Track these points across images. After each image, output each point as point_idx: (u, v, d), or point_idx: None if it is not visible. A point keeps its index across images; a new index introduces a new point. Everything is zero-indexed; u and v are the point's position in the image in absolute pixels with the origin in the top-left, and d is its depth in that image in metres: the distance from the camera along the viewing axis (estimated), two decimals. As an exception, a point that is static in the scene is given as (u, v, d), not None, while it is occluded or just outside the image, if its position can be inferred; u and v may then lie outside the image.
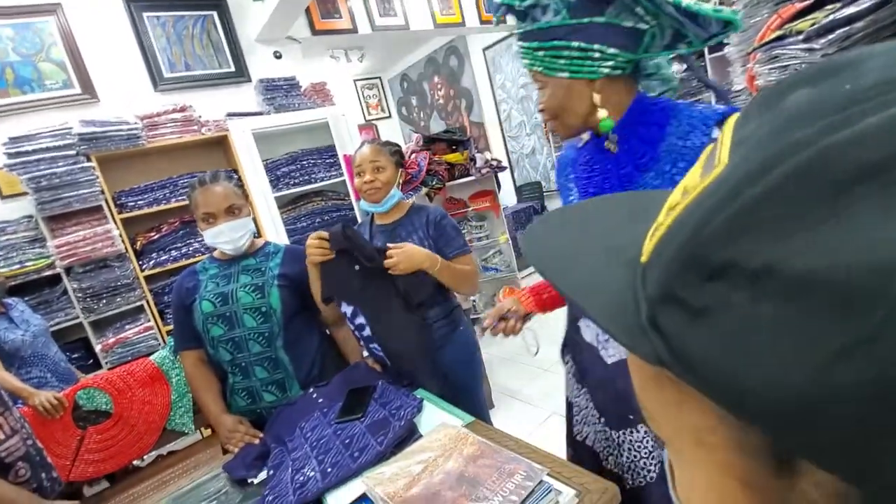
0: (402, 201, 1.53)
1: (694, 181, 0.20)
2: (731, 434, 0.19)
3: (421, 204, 1.55)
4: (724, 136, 0.20)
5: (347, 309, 1.35)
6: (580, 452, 1.05)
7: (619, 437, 0.95)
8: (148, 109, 2.83)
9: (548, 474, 0.79)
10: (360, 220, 1.56)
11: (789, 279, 0.15)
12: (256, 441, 1.25)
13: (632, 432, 0.93)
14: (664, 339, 0.18)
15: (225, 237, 1.34)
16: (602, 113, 0.84)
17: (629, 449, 0.93)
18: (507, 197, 5.29)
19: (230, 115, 3.06)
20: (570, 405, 1.10)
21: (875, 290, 0.13)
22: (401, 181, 1.51)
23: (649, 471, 0.92)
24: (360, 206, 1.53)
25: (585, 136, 0.95)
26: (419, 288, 1.33)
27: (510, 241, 3.90)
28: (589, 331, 0.99)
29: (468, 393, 1.55)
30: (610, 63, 0.81)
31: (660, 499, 0.91)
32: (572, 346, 1.06)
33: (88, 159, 2.63)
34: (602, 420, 0.98)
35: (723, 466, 0.20)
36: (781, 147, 0.16)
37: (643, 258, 0.21)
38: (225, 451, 1.37)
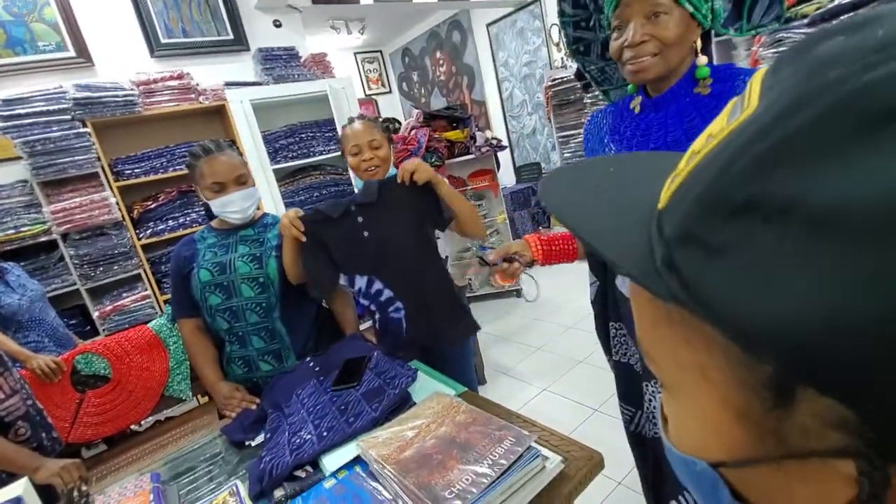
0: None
1: (720, 126, 0.21)
2: (734, 370, 0.19)
3: None
4: (753, 85, 0.20)
5: (361, 282, 1.34)
6: (617, 363, 1.10)
7: (645, 387, 1.00)
8: (144, 76, 2.78)
9: (535, 441, 0.82)
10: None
11: (816, 211, 0.15)
12: (253, 406, 1.28)
13: (655, 382, 0.97)
14: (680, 277, 0.19)
15: (236, 206, 1.34)
16: (702, 59, 0.85)
17: (649, 400, 0.98)
18: (506, 177, 5.28)
19: (228, 84, 3.01)
20: (605, 334, 1.12)
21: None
22: (392, 157, 1.52)
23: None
24: (357, 185, 1.52)
25: (638, 99, 0.95)
26: (438, 203, 1.31)
27: (507, 222, 3.91)
28: (625, 286, 1.02)
29: (458, 367, 1.58)
30: (711, 17, 0.83)
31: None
32: (614, 307, 1.07)
33: (84, 125, 2.59)
34: (634, 347, 1.02)
35: (722, 401, 0.21)
36: (816, 85, 0.16)
37: (660, 205, 0.22)
38: (221, 417, 1.40)
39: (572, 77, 3.23)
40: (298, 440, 1.00)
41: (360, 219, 1.31)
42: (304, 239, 1.28)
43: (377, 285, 1.32)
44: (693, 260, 0.19)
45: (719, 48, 2.46)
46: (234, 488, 0.91)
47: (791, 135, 0.17)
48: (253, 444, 1.12)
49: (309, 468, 0.94)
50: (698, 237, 0.19)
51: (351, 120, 1.47)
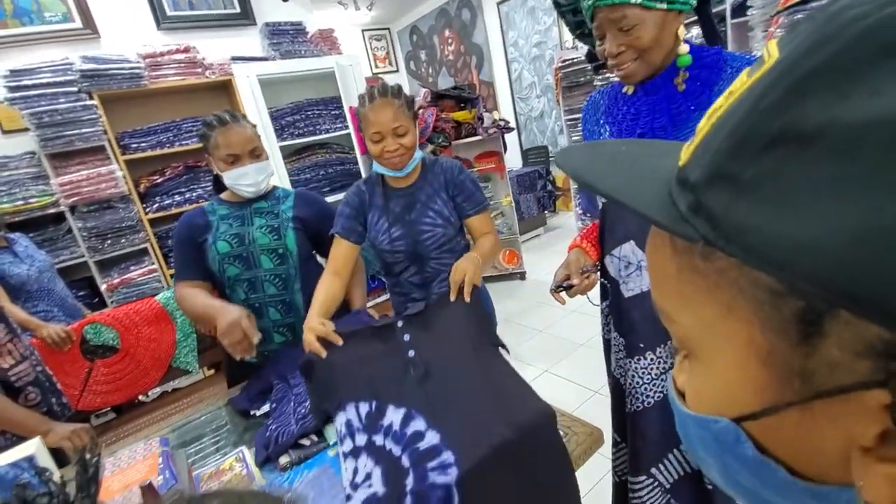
0: None
1: (740, 83, 0.21)
2: (758, 311, 0.20)
3: (432, 158, 1.40)
4: (770, 47, 0.21)
5: (395, 415, 0.88)
6: (613, 383, 1.13)
7: (627, 364, 1.03)
8: (150, 48, 2.76)
9: (538, 416, 0.82)
10: (363, 176, 1.42)
11: (846, 134, 0.16)
12: (257, 339, 1.18)
13: (639, 360, 1.00)
14: (710, 218, 0.20)
15: (250, 179, 1.33)
16: (684, 47, 0.86)
17: (633, 375, 1.02)
18: (513, 160, 5.24)
19: (234, 59, 2.98)
20: (606, 342, 1.16)
21: None
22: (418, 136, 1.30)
23: (647, 397, 1.00)
24: (375, 170, 1.32)
25: (631, 87, 0.97)
26: (484, 318, 1.06)
27: (513, 204, 3.90)
28: (612, 266, 1.04)
29: None
30: None
31: (651, 422, 1.00)
32: (604, 287, 1.11)
33: (90, 97, 2.59)
34: (624, 348, 1.05)
35: (747, 347, 0.21)
36: (838, 24, 0.17)
37: (681, 163, 0.23)
38: (230, 385, 1.43)
39: (583, 58, 3.18)
40: (303, 410, 1.02)
41: (406, 336, 1.01)
42: (324, 354, 1.02)
43: (418, 424, 0.85)
44: (723, 198, 0.20)
45: (735, 30, 2.41)
46: (241, 454, 0.94)
47: (818, 67, 0.17)
48: (258, 413, 1.15)
49: (314, 437, 0.96)
50: (729, 175, 0.20)
51: (371, 95, 1.23)
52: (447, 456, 0.76)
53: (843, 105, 0.16)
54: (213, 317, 1.20)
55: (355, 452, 0.83)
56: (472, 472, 0.73)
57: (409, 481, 0.74)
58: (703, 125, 0.22)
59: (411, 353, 0.98)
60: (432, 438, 0.80)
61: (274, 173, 1.44)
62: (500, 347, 1.02)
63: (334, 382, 0.97)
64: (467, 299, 1.05)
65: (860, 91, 0.16)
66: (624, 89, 1.00)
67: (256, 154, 1.34)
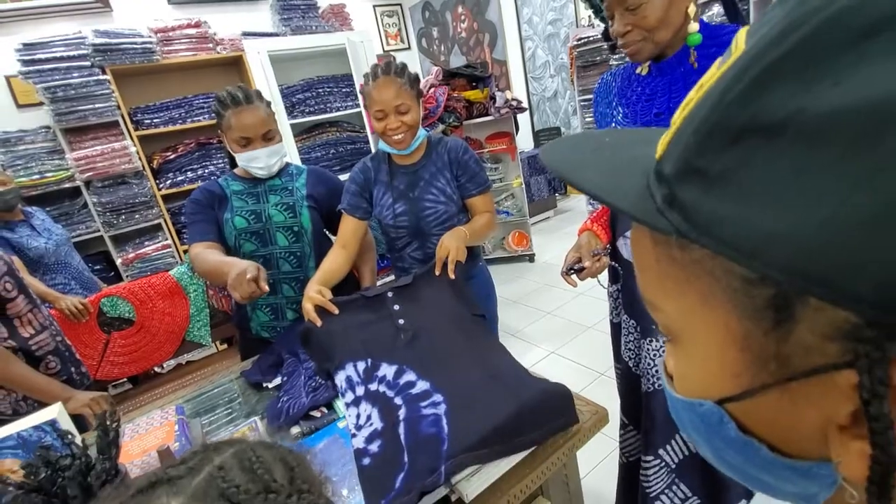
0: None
1: (710, 75, 0.21)
2: (733, 299, 0.21)
3: (437, 136, 1.42)
4: (738, 38, 0.21)
5: (388, 370, 0.98)
6: (623, 366, 1.15)
7: (641, 345, 1.05)
8: (162, 23, 2.75)
9: (544, 394, 0.84)
10: (372, 153, 1.42)
11: (811, 125, 0.16)
12: (266, 291, 1.14)
13: (651, 342, 1.02)
14: (682, 211, 0.21)
15: (261, 162, 1.33)
16: (694, 26, 0.85)
17: (646, 356, 1.03)
18: (524, 141, 5.17)
19: (245, 34, 2.97)
20: (615, 326, 1.17)
21: (887, 121, 0.15)
22: (421, 114, 1.33)
23: (659, 379, 1.02)
24: (380, 148, 1.35)
25: (646, 63, 0.96)
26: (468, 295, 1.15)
27: (524, 186, 3.87)
28: (625, 248, 1.05)
29: (492, 326, 1.60)
30: None
31: (661, 404, 1.01)
32: (614, 270, 1.12)
33: (103, 72, 2.60)
34: (637, 329, 1.07)
35: (724, 334, 0.22)
36: (806, 10, 0.17)
37: (657, 155, 0.23)
38: (243, 358, 1.46)
39: (599, 36, 3.11)
40: (314, 383, 1.04)
41: (396, 307, 1.12)
42: (319, 323, 1.10)
43: (409, 375, 0.96)
44: (694, 191, 0.20)
45: (758, 8, 2.33)
46: (254, 424, 0.97)
47: (784, 55, 0.17)
48: (270, 386, 1.17)
49: (324, 409, 0.98)
50: (698, 169, 0.20)
51: (375, 73, 1.25)
52: (437, 397, 0.87)
53: (806, 96, 0.16)
54: (224, 272, 1.18)
55: (356, 402, 0.93)
56: (459, 405, 0.83)
57: (402, 413, 0.86)
58: (677, 117, 0.22)
59: (401, 321, 1.09)
60: (423, 385, 0.91)
61: (287, 154, 1.43)
62: (480, 316, 1.13)
63: (332, 346, 1.06)
64: (451, 276, 1.15)
65: (826, 80, 0.16)
66: (638, 69, 0.98)
67: (269, 137, 1.33)
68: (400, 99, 1.22)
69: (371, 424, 0.87)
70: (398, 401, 0.89)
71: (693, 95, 0.22)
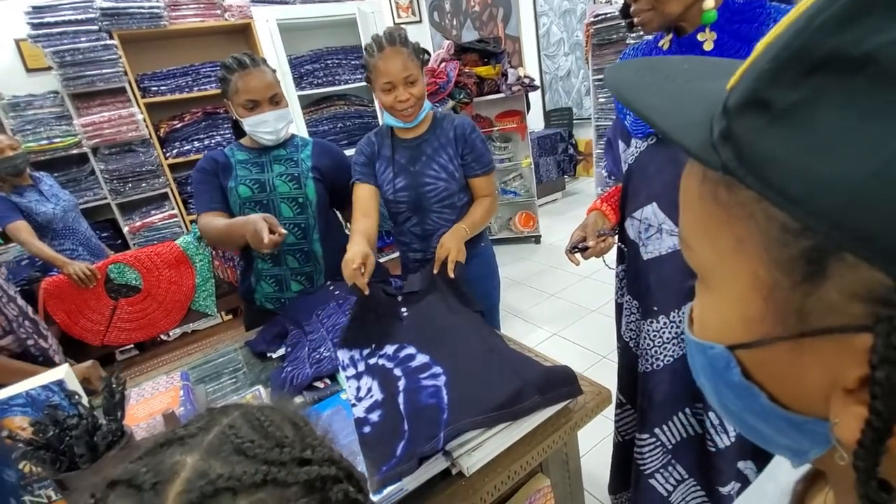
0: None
1: (794, 10, 0.20)
2: (768, 247, 0.20)
3: (443, 112, 1.39)
4: None
5: (390, 348, 1.02)
6: (623, 345, 1.15)
7: (641, 325, 1.04)
8: (170, -13, 2.69)
9: (547, 373, 0.84)
10: (377, 128, 1.41)
11: (890, 63, 0.15)
12: (284, 234, 1.18)
13: (652, 322, 1.01)
14: (735, 146, 0.20)
15: (269, 126, 1.31)
16: (709, 2, 0.81)
17: (646, 337, 1.03)
18: (535, 121, 5.09)
19: (254, 1, 2.90)
20: (619, 306, 1.17)
21: None
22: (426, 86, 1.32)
23: (657, 359, 1.01)
24: (386, 121, 1.35)
25: (668, 37, 0.92)
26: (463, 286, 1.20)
27: (532, 166, 3.82)
28: (632, 228, 1.03)
29: (486, 308, 1.61)
30: None
31: (659, 384, 1.02)
32: (620, 251, 1.11)
33: (111, 37, 2.56)
34: (638, 309, 1.06)
35: (752, 280, 0.21)
36: None
37: (729, 86, 0.22)
38: (248, 329, 1.47)
39: (617, 13, 3.02)
40: (318, 355, 1.05)
41: (403, 310, 1.16)
42: (367, 292, 1.12)
43: (409, 350, 0.99)
44: (753, 126, 0.19)
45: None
46: (258, 392, 0.98)
47: None
48: (273, 356, 1.18)
49: (327, 380, 0.99)
50: (764, 101, 0.19)
51: (379, 44, 1.21)
52: (436, 369, 0.89)
53: (892, 33, 0.15)
54: (238, 234, 1.20)
55: (357, 376, 0.96)
56: (459, 377, 0.84)
57: (402, 384, 0.88)
58: (761, 43, 0.21)
59: (404, 311, 1.15)
60: (422, 359, 0.93)
61: (293, 122, 1.42)
62: (478, 313, 1.16)
63: (345, 326, 1.10)
64: (451, 275, 1.17)
65: None
66: (660, 43, 0.94)
67: (276, 101, 1.31)
68: (408, 70, 1.21)
69: (371, 396, 0.89)
70: (398, 372, 0.91)
71: (787, 18, 0.20)
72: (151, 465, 0.32)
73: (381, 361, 0.97)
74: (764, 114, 0.19)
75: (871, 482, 0.18)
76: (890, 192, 0.15)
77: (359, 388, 0.92)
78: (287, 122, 1.36)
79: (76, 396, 0.73)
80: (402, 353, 0.97)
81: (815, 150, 0.17)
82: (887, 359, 0.16)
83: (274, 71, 1.36)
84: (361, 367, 0.98)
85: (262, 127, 1.31)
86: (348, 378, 0.95)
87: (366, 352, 1.03)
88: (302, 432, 0.37)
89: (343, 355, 1.02)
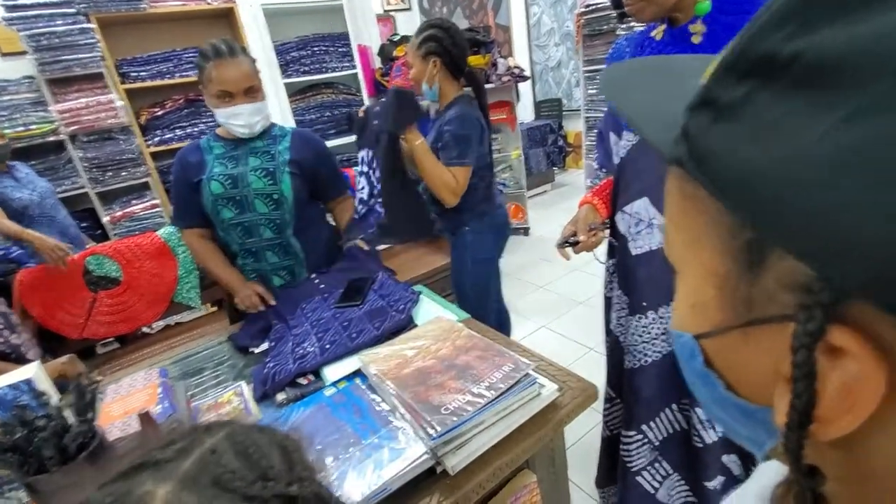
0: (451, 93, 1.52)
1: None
2: (721, 238, 0.21)
3: (461, 103, 1.48)
4: None
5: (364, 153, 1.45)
6: (611, 340, 1.15)
7: (629, 321, 1.03)
8: (150, -31, 2.60)
9: (533, 369, 0.83)
10: None
11: (812, 63, 0.16)
12: (272, 302, 1.31)
13: (640, 318, 1.00)
14: (689, 141, 0.21)
15: (242, 120, 1.27)
16: None
17: (633, 333, 1.02)
18: (524, 112, 5.07)
19: (238, -15, 2.82)
20: (608, 300, 1.17)
21: (883, 64, 0.14)
22: (435, 72, 1.45)
23: (645, 355, 1.01)
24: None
25: (661, 27, 0.91)
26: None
27: (522, 158, 3.80)
28: (623, 223, 1.01)
29: (464, 298, 1.60)
30: None
31: (647, 380, 1.01)
32: (611, 245, 1.10)
33: (88, 20, 2.47)
34: (627, 306, 1.05)
35: (708, 271, 0.22)
36: None
37: (703, 81, 0.22)
38: (232, 322, 1.44)
39: (608, 3, 2.99)
40: (302, 350, 1.03)
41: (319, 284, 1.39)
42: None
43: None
44: (702, 123, 0.20)
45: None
46: (239, 389, 0.95)
47: None
48: (256, 351, 1.16)
49: (311, 376, 0.97)
50: (713, 99, 0.20)
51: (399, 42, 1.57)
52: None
53: (819, 34, 0.16)
54: (226, 284, 1.39)
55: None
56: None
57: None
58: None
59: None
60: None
61: (271, 114, 1.38)
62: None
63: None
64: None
65: (838, 23, 0.16)
66: (653, 33, 0.93)
67: (252, 93, 1.27)
68: (406, 54, 1.48)
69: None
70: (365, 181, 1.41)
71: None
72: (118, 494, 0.29)
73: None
74: (712, 111, 0.20)
75: (798, 465, 0.19)
76: (798, 180, 0.16)
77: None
78: (263, 116, 1.31)
79: (45, 396, 0.70)
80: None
81: (747, 143, 0.18)
82: (804, 344, 0.17)
83: (254, 61, 1.31)
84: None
85: (236, 120, 1.26)
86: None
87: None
88: (291, 459, 0.34)
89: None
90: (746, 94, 0.18)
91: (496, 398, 0.76)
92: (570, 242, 1.02)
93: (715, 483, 0.99)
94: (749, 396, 0.23)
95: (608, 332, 1.16)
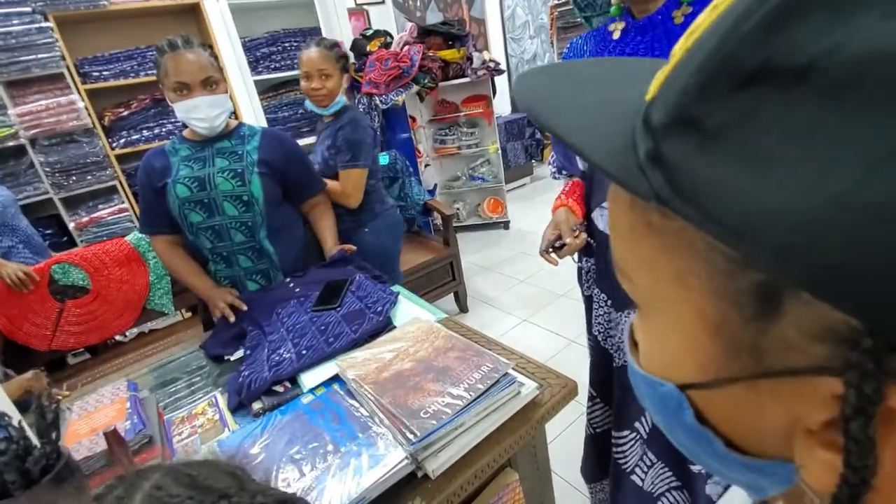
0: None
1: (712, 9, 0.17)
2: (713, 279, 0.18)
3: (348, 108, 1.67)
4: None
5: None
6: (593, 340, 1.15)
7: (617, 318, 1.03)
8: (109, -36, 2.50)
9: (513, 368, 0.83)
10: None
11: (839, 70, 0.13)
12: (244, 308, 1.27)
13: (629, 314, 1.00)
14: (666, 171, 0.17)
15: (201, 113, 1.22)
16: None
17: (622, 330, 1.02)
18: (502, 105, 5.06)
19: (203, -21, 2.74)
20: (587, 299, 1.16)
21: None
22: (345, 86, 1.67)
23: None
24: (306, 105, 1.67)
25: (620, 26, 0.89)
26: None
27: (500, 152, 3.80)
28: (601, 220, 1.01)
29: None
30: None
31: None
32: (587, 244, 1.08)
33: (46, 19, 2.37)
34: (609, 303, 1.05)
35: (697, 315, 0.19)
36: None
37: (648, 96, 0.19)
38: (206, 328, 1.40)
39: (580, -4, 3.00)
40: (277, 357, 1.00)
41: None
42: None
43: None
44: (683, 148, 0.16)
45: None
46: (213, 399, 0.93)
47: None
48: (231, 358, 1.13)
49: (287, 384, 0.95)
50: (694, 118, 0.16)
51: (310, 44, 1.59)
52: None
53: (839, 34, 0.13)
54: (198, 291, 1.36)
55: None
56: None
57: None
58: (678, 48, 0.18)
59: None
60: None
61: (235, 111, 1.34)
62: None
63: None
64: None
65: (861, 17, 0.13)
66: (610, 28, 0.91)
67: (210, 84, 1.22)
68: (323, 64, 1.55)
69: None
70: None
71: (703, 19, 0.17)
72: None
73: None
74: (695, 133, 0.16)
75: None
76: (848, 224, 0.13)
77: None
78: (223, 109, 1.27)
79: (5, 418, 0.67)
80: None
81: (758, 173, 0.14)
82: (862, 411, 0.14)
83: (215, 57, 1.27)
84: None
85: (194, 113, 1.22)
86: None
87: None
88: (241, 481, 0.33)
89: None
90: (746, 113, 0.15)
91: (475, 399, 0.76)
92: (556, 246, 1.01)
93: (700, 466, 1.00)
94: (754, 450, 0.21)
95: (590, 331, 1.17)
